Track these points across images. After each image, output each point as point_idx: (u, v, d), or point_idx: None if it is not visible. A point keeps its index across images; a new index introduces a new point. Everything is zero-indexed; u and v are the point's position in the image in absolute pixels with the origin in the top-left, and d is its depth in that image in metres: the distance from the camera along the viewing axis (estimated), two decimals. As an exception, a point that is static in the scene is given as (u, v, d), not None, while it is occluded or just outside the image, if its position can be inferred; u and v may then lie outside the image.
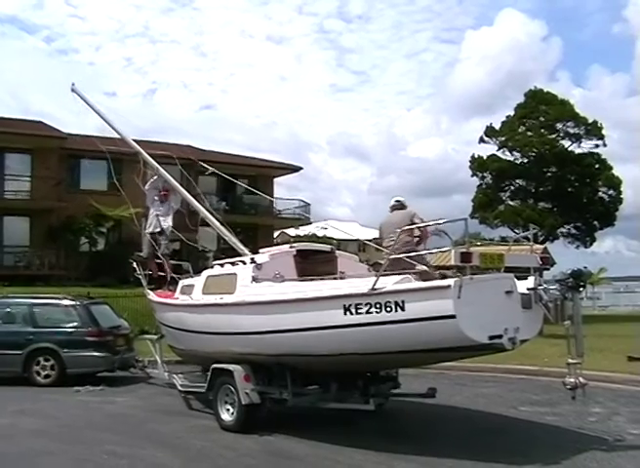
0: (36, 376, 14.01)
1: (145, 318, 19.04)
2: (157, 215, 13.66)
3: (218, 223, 12.85)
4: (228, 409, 9.46)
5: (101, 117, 15.30)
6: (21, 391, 13.22)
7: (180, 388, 11.56)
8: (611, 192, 37.50)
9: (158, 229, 13.57)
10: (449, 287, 7.12)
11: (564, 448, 8.28)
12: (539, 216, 34.13)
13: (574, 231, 38.44)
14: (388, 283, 7.60)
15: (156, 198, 13.86)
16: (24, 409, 11.24)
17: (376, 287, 7.55)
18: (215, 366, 9.76)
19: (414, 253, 8.21)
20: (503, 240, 33.57)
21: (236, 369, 9.25)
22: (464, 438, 9.04)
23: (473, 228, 42.56)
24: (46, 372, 14.04)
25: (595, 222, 37.90)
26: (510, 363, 14.48)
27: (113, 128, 15.53)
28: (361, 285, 8.02)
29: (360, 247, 68.51)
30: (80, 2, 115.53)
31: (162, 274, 13.38)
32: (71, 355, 13.99)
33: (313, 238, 53.59)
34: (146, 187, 13.90)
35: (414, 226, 8.62)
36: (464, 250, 7.25)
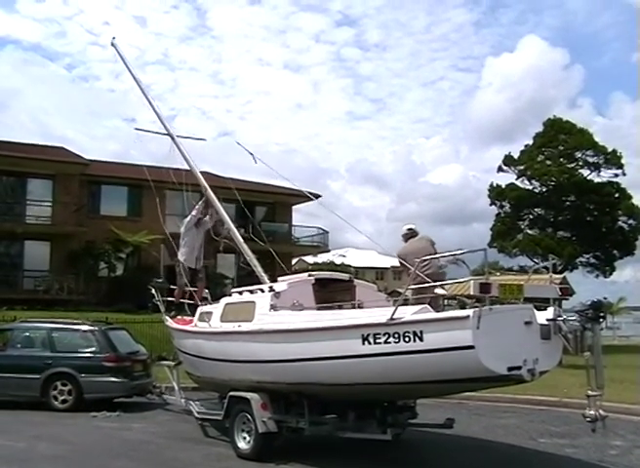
0: (53, 401, 14.06)
1: (163, 344, 19.07)
2: (197, 247, 13.37)
3: (249, 250, 12.77)
4: (245, 438, 9.43)
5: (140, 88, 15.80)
6: (39, 415, 13.24)
7: (196, 415, 11.55)
8: (630, 221, 37.28)
9: (195, 263, 13.29)
10: (468, 317, 7.08)
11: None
12: (557, 246, 33.95)
13: (593, 260, 38.17)
14: (407, 313, 7.58)
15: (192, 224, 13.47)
16: (41, 434, 11.27)
17: (394, 316, 7.53)
18: (232, 393, 9.76)
19: (438, 283, 8.22)
20: (522, 269, 33.43)
21: (253, 397, 9.24)
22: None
23: (492, 257, 42.24)
24: (63, 397, 14.08)
25: (615, 251, 37.62)
26: (529, 393, 14.35)
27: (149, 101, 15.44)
28: (380, 314, 8.01)
29: (378, 274, 68.49)
30: (101, 30, 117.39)
31: (184, 301, 13.30)
32: (89, 380, 14.03)
33: (331, 265, 53.63)
34: (193, 212, 13.46)
35: (438, 256, 8.60)
36: (484, 280, 7.23)
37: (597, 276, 38.35)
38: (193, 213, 13.38)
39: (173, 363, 13.83)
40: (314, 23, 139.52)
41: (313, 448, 9.91)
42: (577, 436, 10.83)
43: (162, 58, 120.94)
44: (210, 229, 13.65)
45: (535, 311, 7.91)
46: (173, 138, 14.63)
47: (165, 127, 14.91)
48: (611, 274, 38.82)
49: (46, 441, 10.69)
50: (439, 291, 9.10)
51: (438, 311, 8.11)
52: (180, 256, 13.28)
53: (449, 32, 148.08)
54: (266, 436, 9.06)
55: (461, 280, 7.75)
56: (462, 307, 8.73)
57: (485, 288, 7.17)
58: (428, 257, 8.34)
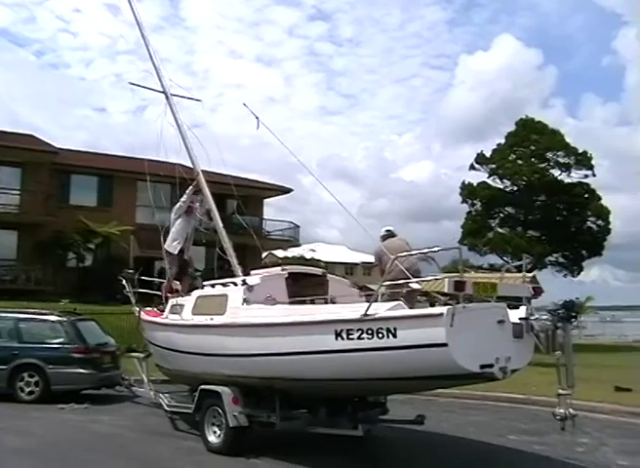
0: (20, 393, 13.85)
1: (131, 336, 18.86)
2: (186, 237, 13.02)
3: (229, 244, 12.56)
4: (215, 432, 9.38)
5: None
6: (4, 407, 13.03)
7: (166, 408, 11.48)
8: (599, 222, 37.72)
9: (184, 252, 13.02)
10: (441, 315, 7.10)
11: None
12: (527, 245, 34.24)
13: (562, 260, 38.59)
14: (381, 309, 7.58)
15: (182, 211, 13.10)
16: (7, 427, 11.10)
17: (368, 312, 7.53)
18: (203, 387, 9.70)
19: (412, 280, 8.22)
20: (492, 267, 33.68)
21: (224, 391, 9.19)
22: (453, 465, 9.02)
23: (463, 255, 42.58)
24: (30, 389, 13.88)
25: (583, 252, 38.08)
26: (499, 391, 14.47)
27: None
28: (353, 310, 8.00)
29: (347, 270, 68.61)
30: (72, 18, 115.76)
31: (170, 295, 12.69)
32: (56, 371, 13.86)
33: (301, 260, 53.55)
34: (183, 198, 13.07)
35: (414, 253, 8.60)
36: (458, 278, 7.26)
37: (565, 275, 38.80)
38: (183, 199, 13.03)
39: (142, 355, 13.73)
40: (288, 17, 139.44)
41: (284, 442, 9.88)
42: (545, 433, 10.92)
43: (134, 48, 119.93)
44: (200, 220, 13.31)
45: (507, 310, 7.97)
46: (167, 97, 13.89)
47: (161, 83, 14.06)
48: (579, 273, 39.33)
49: (13, 434, 10.52)
50: (414, 286, 9.12)
51: (412, 308, 8.14)
52: (170, 246, 12.93)
53: (422, 30, 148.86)
54: (237, 430, 9.01)
55: (436, 277, 7.75)
56: (432, 304, 8.77)
57: (459, 285, 7.20)
58: (404, 254, 8.35)
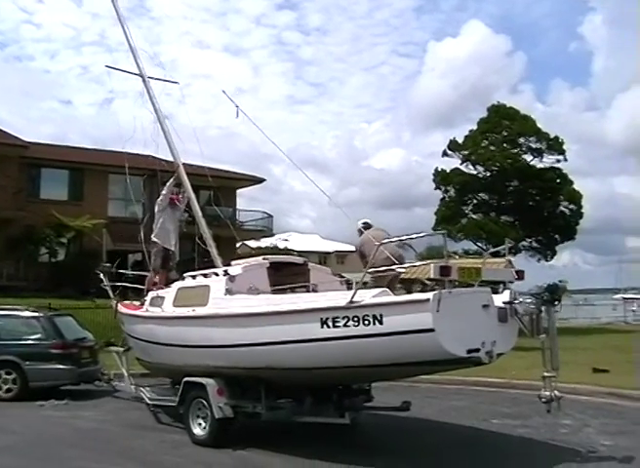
0: (-3, 390, 13.65)
1: (107, 330, 18.73)
2: (173, 229, 12.84)
3: (209, 234, 12.40)
4: (200, 424, 9.31)
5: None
6: (-18, 406, 12.84)
7: (148, 402, 11.37)
8: (572, 206, 37.96)
9: (172, 245, 12.82)
10: (428, 300, 7.10)
11: (538, 460, 8.39)
12: (501, 230, 34.37)
13: (535, 244, 38.83)
14: (366, 296, 7.56)
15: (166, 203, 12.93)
16: (-15, 425, 10.91)
17: (353, 300, 7.50)
18: (187, 379, 9.61)
19: (398, 266, 8.21)
20: (466, 253, 33.84)
21: (209, 382, 9.12)
22: (438, 451, 9.05)
23: (437, 241, 42.73)
24: (7, 386, 13.65)
25: (556, 236, 38.35)
26: (479, 375, 14.52)
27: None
28: (338, 298, 7.98)
29: (321, 259, 68.71)
30: (35, 9, 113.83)
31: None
32: (34, 368, 13.65)
33: (275, 250, 53.45)
34: (164, 191, 12.90)
35: (396, 239, 8.56)
36: (444, 263, 7.25)
37: (539, 260, 39.05)
38: (164, 192, 12.89)
39: (122, 349, 13.59)
40: (255, 6, 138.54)
41: (270, 433, 9.84)
42: (527, 416, 11.01)
43: (99, 40, 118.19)
44: (182, 211, 13.22)
45: (492, 294, 8.00)
46: (144, 80, 13.57)
47: (137, 66, 13.71)
48: (552, 258, 39.57)
49: (-7, 432, 10.34)
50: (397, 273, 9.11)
51: (395, 294, 8.13)
52: (156, 238, 12.76)
53: (390, 18, 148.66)
54: (223, 421, 8.96)
55: (422, 263, 7.75)
56: (408, 292, 8.77)
57: (445, 270, 7.20)
58: (387, 241, 8.32)
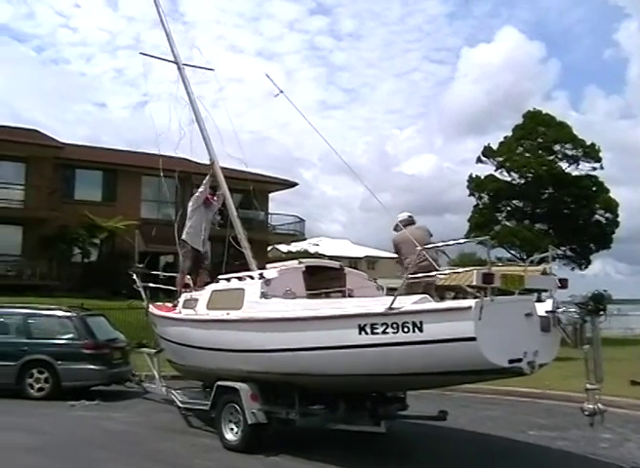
0: (29, 389, 13.64)
1: (138, 331, 18.77)
2: (204, 228, 12.51)
3: (244, 236, 12.29)
4: (232, 429, 9.17)
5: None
6: (14, 404, 12.86)
7: (179, 404, 11.27)
8: (607, 215, 37.32)
9: (202, 246, 12.51)
10: (470, 308, 6.88)
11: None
12: (535, 238, 33.91)
13: (569, 253, 38.25)
14: (406, 302, 7.37)
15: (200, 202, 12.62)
16: (17, 425, 10.87)
17: (393, 306, 7.31)
18: (219, 383, 9.49)
19: (439, 273, 8.00)
20: (500, 260, 33.36)
21: (242, 387, 8.98)
22: (476, 462, 8.85)
23: (470, 248, 42.08)
24: (40, 385, 13.67)
25: (591, 245, 37.71)
26: (511, 385, 14.23)
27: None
28: (375, 304, 7.80)
29: (351, 264, 68.55)
30: (71, 13, 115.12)
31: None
32: (66, 367, 13.65)
33: (305, 254, 53.39)
34: (200, 189, 12.63)
35: (435, 246, 8.36)
36: (487, 270, 7.04)
37: (573, 269, 38.41)
38: (200, 189, 12.62)
39: (153, 350, 13.53)
40: (288, 11, 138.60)
41: (303, 439, 9.68)
42: (565, 429, 10.75)
43: (133, 43, 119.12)
44: (216, 211, 13.04)
45: (535, 303, 7.78)
46: (179, 67, 13.35)
47: (173, 53, 13.53)
48: (587, 267, 38.79)
49: (23, 431, 10.29)
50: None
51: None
52: (186, 237, 12.49)
53: (423, 24, 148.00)
54: (256, 427, 8.81)
55: (464, 270, 7.50)
56: (441, 298, 8.56)
57: (488, 278, 6.98)
58: (430, 246, 8.10)
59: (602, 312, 7.83)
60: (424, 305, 7.34)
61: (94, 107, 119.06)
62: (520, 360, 7.20)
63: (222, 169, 13.09)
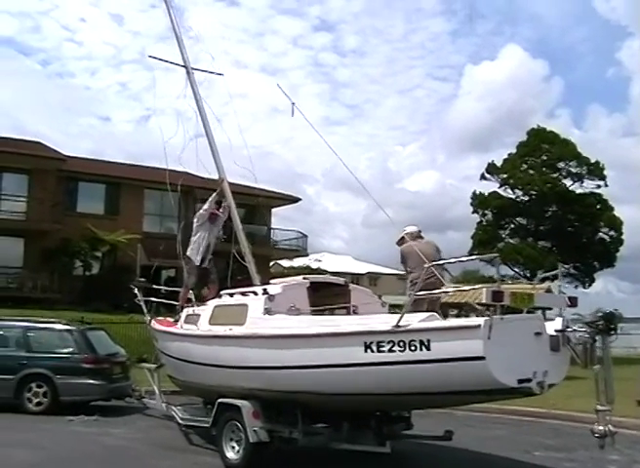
0: (28, 404, 13.43)
1: (139, 345, 18.59)
2: (207, 246, 12.31)
3: (249, 250, 12.09)
4: (234, 447, 8.96)
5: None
6: (12, 419, 12.64)
7: (180, 421, 11.07)
8: (611, 233, 37.31)
9: (207, 261, 12.33)
10: (479, 326, 6.74)
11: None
12: (539, 255, 33.88)
13: (573, 271, 38.17)
14: (414, 320, 7.22)
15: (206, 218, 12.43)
16: (16, 440, 10.66)
17: (400, 324, 7.16)
18: (221, 400, 9.29)
19: (447, 290, 7.86)
20: (504, 278, 33.27)
21: (244, 405, 8.79)
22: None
23: (473, 265, 41.90)
24: (38, 399, 13.46)
25: (595, 263, 37.68)
26: (517, 404, 14.01)
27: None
28: (382, 321, 7.65)
29: (353, 280, 68.53)
30: (77, 27, 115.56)
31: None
32: (65, 382, 13.45)
33: (307, 270, 53.19)
34: (205, 206, 12.43)
35: (445, 262, 8.23)
36: (496, 288, 6.90)
37: (576, 287, 38.37)
38: (205, 206, 12.44)
39: (154, 365, 13.36)
40: (292, 28, 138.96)
41: (305, 458, 9.50)
42: (572, 449, 10.56)
43: (138, 58, 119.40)
44: (221, 226, 12.80)
45: (544, 322, 7.63)
46: (188, 71, 13.17)
47: (182, 56, 13.33)
48: (590, 285, 38.86)
49: (21, 447, 10.07)
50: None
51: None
52: (191, 253, 12.31)
53: (426, 41, 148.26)
54: (257, 446, 8.58)
55: (471, 287, 7.37)
56: (445, 316, 8.42)
57: (498, 296, 6.83)
58: (439, 262, 7.97)
59: (613, 331, 7.67)
60: (432, 323, 7.20)
61: (98, 121, 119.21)
62: (529, 380, 7.04)
63: (229, 183, 12.95)
